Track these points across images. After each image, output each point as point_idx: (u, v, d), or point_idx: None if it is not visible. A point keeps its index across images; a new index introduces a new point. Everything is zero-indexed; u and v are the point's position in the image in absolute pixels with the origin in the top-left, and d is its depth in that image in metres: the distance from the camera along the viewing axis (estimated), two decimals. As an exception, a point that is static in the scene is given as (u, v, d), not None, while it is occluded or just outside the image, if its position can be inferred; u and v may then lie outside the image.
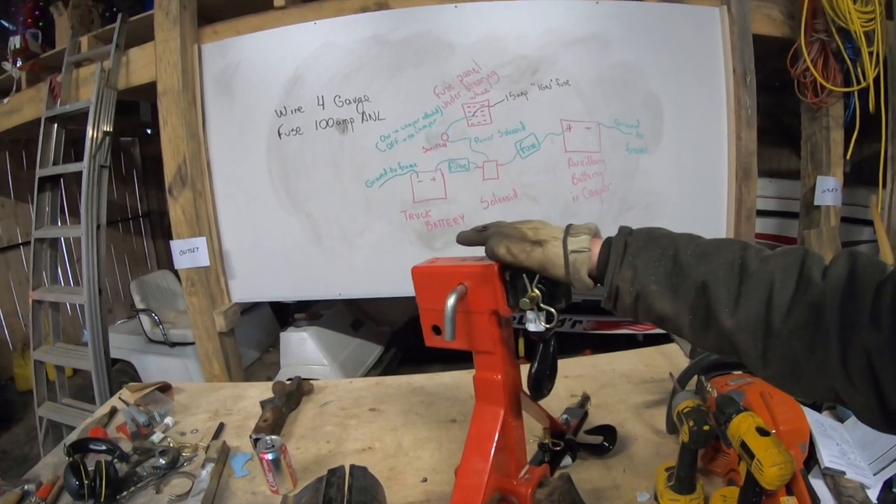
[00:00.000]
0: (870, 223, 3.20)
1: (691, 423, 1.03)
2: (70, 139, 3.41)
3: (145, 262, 6.89)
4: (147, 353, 4.31)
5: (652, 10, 2.84)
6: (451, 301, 0.87)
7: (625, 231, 0.84)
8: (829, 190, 3.02)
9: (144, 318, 4.28)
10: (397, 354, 4.45)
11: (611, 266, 0.81)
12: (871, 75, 2.80)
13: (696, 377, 1.30)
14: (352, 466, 1.13)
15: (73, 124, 3.33)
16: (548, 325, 0.88)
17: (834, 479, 1.14)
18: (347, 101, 2.83)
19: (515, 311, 0.91)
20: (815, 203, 3.07)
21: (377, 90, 2.82)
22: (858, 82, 2.84)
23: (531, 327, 0.89)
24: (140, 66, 3.09)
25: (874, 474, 1.15)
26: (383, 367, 4.19)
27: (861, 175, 3.20)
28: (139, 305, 4.35)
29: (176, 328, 4.23)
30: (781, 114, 3.26)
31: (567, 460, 1.28)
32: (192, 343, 3.87)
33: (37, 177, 3.25)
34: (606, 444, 1.34)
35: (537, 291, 0.87)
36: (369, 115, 2.83)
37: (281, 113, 2.88)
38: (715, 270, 0.73)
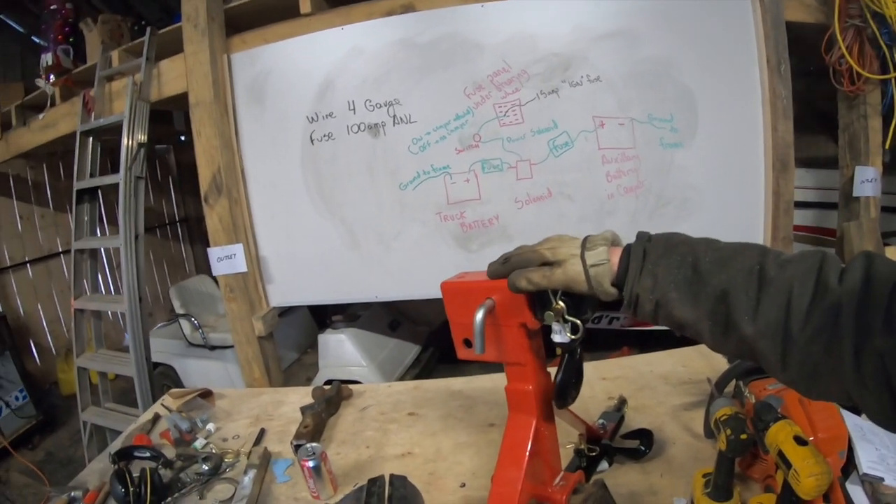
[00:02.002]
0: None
1: (729, 432, 1.01)
2: (106, 149, 3.50)
3: (183, 266, 7.04)
4: (187, 356, 4.40)
5: (681, 2, 2.78)
6: (479, 315, 0.88)
7: (643, 238, 0.84)
8: (868, 180, 2.93)
9: (184, 323, 4.37)
10: (435, 354, 4.47)
11: (630, 274, 0.82)
12: (907, 61, 2.70)
13: (734, 381, 1.29)
14: (392, 476, 1.14)
15: (108, 135, 3.41)
16: (573, 337, 0.89)
17: (872, 485, 1.11)
18: (378, 105, 2.86)
19: (542, 322, 0.92)
20: (854, 194, 2.97)
21: (407, 93, 2.83)
22: (895, 69, 2.75)
23: (557, 338, 0.90)
24: (171, 77, 3.15)
25: None
26: (421, 366, 4.21)
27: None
28: (179, 310, 4.43)
29: (215, 332, 4.31)
30: (816, 99, 3.17)
31: (604, 465, 1.28)
32: (232, 346, 3.95)
33: (74, 189, 3.34)
34: (643, 448, 1.33)
35: (562, 304, 0.87)
36: (400, 119, 2.85)
37: (313, 119, 2.92)
38: (734, 277, 0.74)
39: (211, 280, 4.99)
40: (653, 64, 2.78)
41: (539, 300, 0.90)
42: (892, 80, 2.78)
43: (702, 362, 1.81)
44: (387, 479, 1.13)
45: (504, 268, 0.93)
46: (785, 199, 2.82)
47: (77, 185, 3.32)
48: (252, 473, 1.45)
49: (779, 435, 0.94)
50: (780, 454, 0.92)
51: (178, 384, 4.26)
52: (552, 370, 1.00)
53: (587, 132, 2.80)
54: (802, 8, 2.92)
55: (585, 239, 0.87)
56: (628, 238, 0.88)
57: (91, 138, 3.35)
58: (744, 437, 1.00)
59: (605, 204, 2.84)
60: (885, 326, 0.60)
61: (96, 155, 3.39)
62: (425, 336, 4.50)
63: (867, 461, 1.13)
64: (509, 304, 0.91)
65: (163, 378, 4.30)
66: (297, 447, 1.55)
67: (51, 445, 4.34)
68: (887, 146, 2.90)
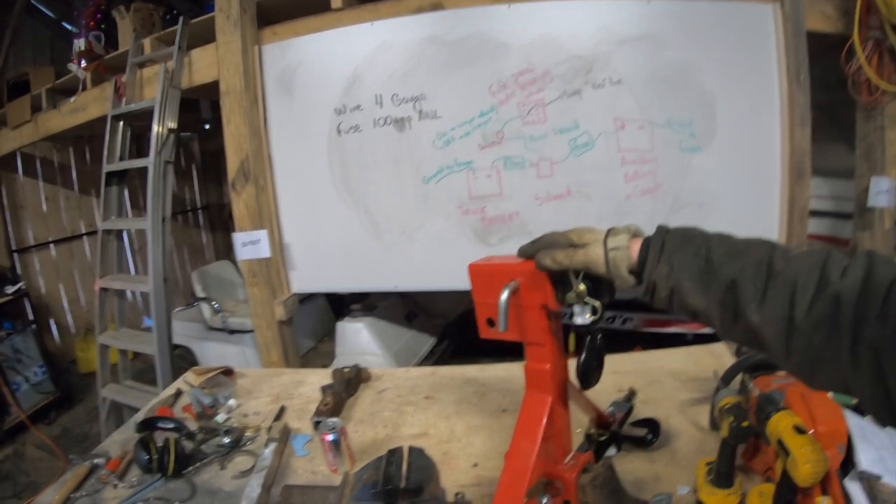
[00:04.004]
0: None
1: (731, 420, 1.07)
2: (132, 135, 3.57)
3: (203, 252, 7.13)
4: (206, 339, 4.48)
5: (704, 8, 2.82)
6: (504, 295, 0.94)
7: (662, 230, 0.90)
8: (883, 191, 2.95)
9: (205, 307, 4.45)
10: (449, 346, 4.51)
11: (649, 263, 0.87)
12: (925, 74, 2.72)
13: (740, 375, 1.33)
14: (410, 447, 1.20)
15: (136, 121, 3.49)
16: (593, 318, 0.94)
17: (870, 482, 1.15)
18: (405, 100, 2.92)
19: (563, 305, 0.97)
20: (869, 204, 3.00)
21: (434, 89, 2.89)
22: (913, 81, 2.77)
23: (578, 320, 0.95)
24: (202, 66, 3.22)
25: None
26: (435, 358, 4.25)
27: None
28: (200, 294, 4.53)
29: (235, 317, 4.38)
30: (838, 109, 3.19)
31: (612, 451, 1.33)
32: (250, 331, 4.02)
33: (104, 171, 3.42)
34: (650, 437, 1.38)
35: (582, 286, 0.93)
36: (426, 114, 2.91)
37: (340, 111, 2.99)
38: (744, 269, 0.78)
39: (232, 266, 5.09)
40: (674, 69, 2.82)
41: (561, 283, 0.96)
42: (910, 92, 2.79)
43: (711, 360, 1.84)
44: (405, 450, 1.19)
45: (532, 247, 0.99)
46: (800, 206, 2.86)
47: (107, 168, 3.40)
48: (273, 446, 1.50)
49: (779, 424, 0.98)
50: (780, 443, 0.96)
51: (196, 366, 4.33)
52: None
53: (607, 133, 2.85)
54: (823, 18, 2.94)
55: (610, 229, 0.93)
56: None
57: (121, 123, 3.43)
58: (745, 424, 1.05)
59: (623, 205, 2.88)
60: (878, 320, 0.65)
61: (126, 139, 3.47)
62: (440, 329, 4.53)
63: (866, 460, 1.17)
64: (532, 287, 0.97)
65: (181, 360, 4.37)
66: (317, 423, 1.61)
67: (67, 421, 4.42)
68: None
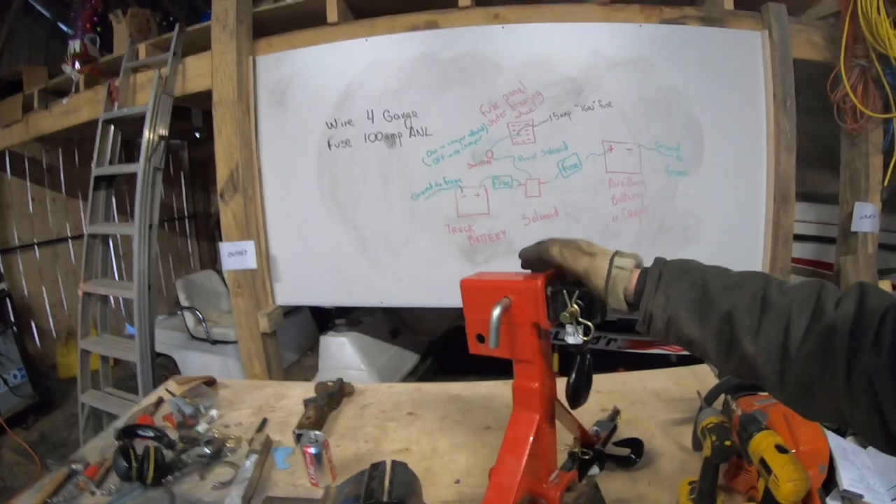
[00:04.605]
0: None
1: (714, 438, 1.08)
2: (121, 141, 3.54)
3: (188, 261, 7.08)
4: (189, 349, 4.44)
5: (694, 34, 2.88)
6: (496, 312, 0.94)
7: (660, 262, 0.91)
8: (866, 216, 3.01)
9: (188, 316, 4.42)
10: (433, 364, 4.51)
11: (646, 292, 0.88)
12: (909, 101, 2.78)
13: (723, 396, 1.35)
14: (393, 462, 1.19)
15: (127, 127, 3.47)
16: (585, 338, 0.95)
17: (852, 502, 1.17)
18: (396, 116, 2.93)
19: (555, 324, 0.98)
20: (853, 229, 3.06)
21: (425, 106, 2.91)
22: (897, 108, 2.84)
23: (570, 340, 0.96)
24: (196, 74, 3.22)
25: (892, 500, 1.18)
26: (419, 375, 4.25)
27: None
28: (184, 303, 4.49)
29: (218, 327, 4.35)
30: (824, 137, 3.24)
31: (595, 470, 1.33)
32: (233, 342, 3.98)
33: (93, 175, 3.39)
34: (633, 457, 1.38)
35: (576, 306, 0.94)
36: (417, 131, 2.92)
37: (332, 125, 2.99)
38: (739, 301, 0.79)
39: (217, 275, 5.05)
40: (663, 93, 2.86)
41: (554, 302, 0.97)
42: (894, 120, 2.86)
43: (694, 381, 1.86)
44: (388, 464, 1.18)
45: (538, 243, 1.00)
46: (784, 230, 2.90)
47: (96, 172, 3.37)
48: (254, 458, 1.48)
49: (761, 443, 1.00)
50: (762, 461, 0.97)
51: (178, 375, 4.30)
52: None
53: (596, 155, 2.88)
54: (810, 46, 3.01)
55: (618, 251, 0.95)
56: None
57: (112, 127, 3.41)
58: (728, 443, 1.06)
59: (610, 226, 2.90)
60: (872, 349, 0.66)
61: (117, 144, 3.44)
62: (425, 346, 4.53)
63: (848, 479, 1.19)
64: (524, 304, 0.98)
65: (162, 369, 4.33)
66: (299, 436, 1.60)
67: (45, 427, 4.35)
68: (885, 184, 2.97)
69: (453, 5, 2.91)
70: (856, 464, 1.26)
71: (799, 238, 3.36)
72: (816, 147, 3.16)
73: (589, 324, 0.95)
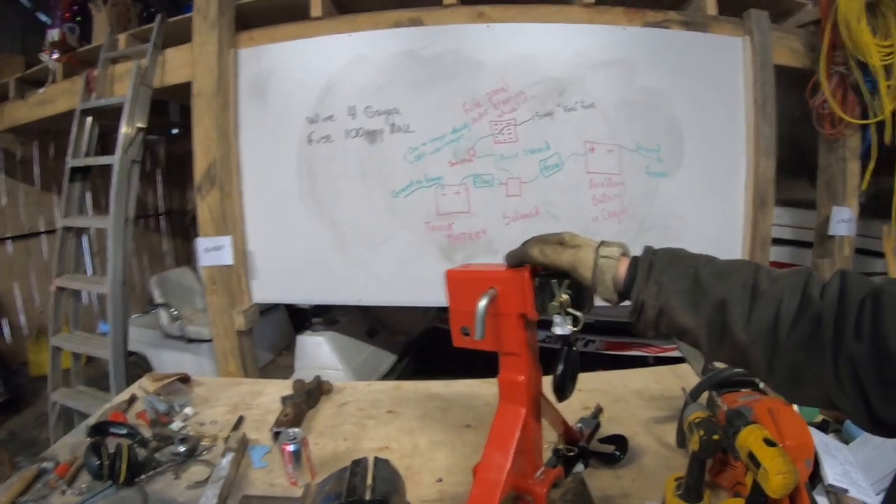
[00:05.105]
0: (883, 255, 3.24)
1: (701, 433, 1.08)
2: (98, 134, 3.47)
3: (163, 259, 6.97)
4: (162, 347, 4.37)
5: (677, 38, 2.91)
6: (482, 302, 0.93)
7: (650, 251, 0.91)
8: (843, 220, 3.07)
9: (163, 313, 4.35)
10: (410, 364, 4.49)
11: (637, 282, 0.88)
12: (888, 108, 2.83)
13: (706, 392, 1.35)
14: (375, 458, 1.16)
15: (105, 119, 3.40)
16: (573, 329, 0.94)
17: (837, 496, 1.18)
18: (378, 113, 2.91)
19: (542, 314, 0.97)
20: (830, 233, 3.12)
21: (407, 103, 2.89)
22: (875, 115, 2.89)
23: (557, 331, 0.95)
24: (176, 66, 3.16)
25: (876, 494, 1.20)
26: (396, 375, 4.22)
27: (876, 207, 3.23)
28: (158, 300, 4.42)
29: (193, 324, 4.30)
30: (800, 144, 3.30)
31: (579, 467, 1.32)
32: (208, 340, 3.94)
33: (68, 167, 3.32)
34: (618, 454, 1.38)
35: (566, 296, 0.93)
36: (399, 127, 2.90)
37: (312, 120, 2.96)
38: (731, 289, 0.80)
39: (192, 273, 4.98)
40: (645, 95, 2.89)
41: (541, 292, 0.96)
42: (872, 126, 2.91)
43: (675, 380, 1.87)
44: (371, 461, 1.16)
45: (520, 247, 0.99)
46: (762, 233, 2.94)
47: (72, 163, 3.30)
48: (230, 456, 1.45)
49: (749, 437, 0.99)
50: (751, 455, 0.97)
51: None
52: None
53: (577, 156, 2.89)
54: (790, 53, 3.06)
55: (603, 241, 0.94)
56: None
57: (89, 118, 3.34)
58: (716, 437, 1.06)
59: (590, 226, 2.91)
60: (854, 334, 0.68)
61: (93, 135, 3.37)
62: (402, 346, 4.51)
63: (832, 474, 1.21)
64: (511, 295, 0.96)
65: (135, 367, 4.26)
66: (276, 434, 1.57)
67: (14, 425, 4.25)
68: (864, 188, 3.01)
69: (438, 3, 2.91)
70: (839, 459, 1.28)
71: (776, 241, 3.40)
72: (792, 154, 3.19)
73: (578, 314, 0.94)
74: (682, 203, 2.95)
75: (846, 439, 1.39)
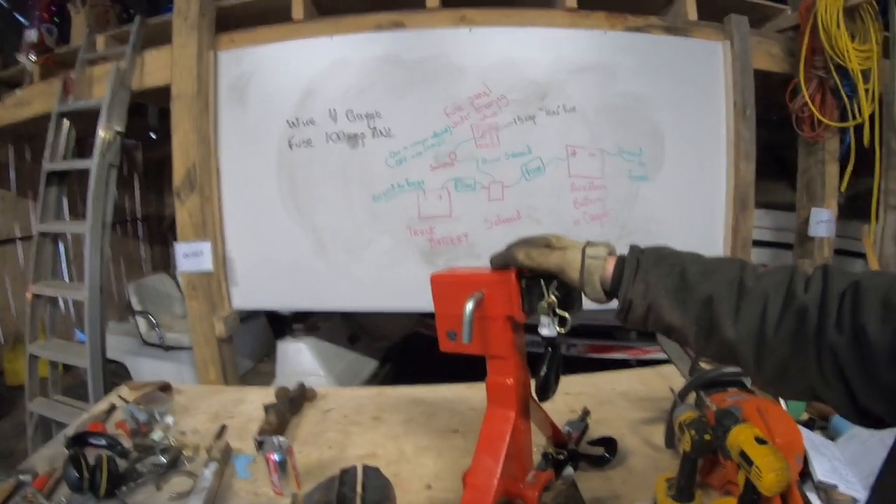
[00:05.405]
0: (862, 255, 3.29)
1: (693, 433, 1.07)
2: (76, 138, 3.41)
3: (140, 265, 6.87)
4: (141, 355, 4.31)
5: (657, 43, 2.93)
6: (469, 305, 0.92)
7: (636, 250, 0.91)
8: (823, 221, 3.11)
9: (141, 321, 4.28)
10: (392, 370, 4.46)
11: (625, 280, 0.88)
12: (866, 112, 2.89)
13: (693, 393, 1.35)
14: (365, 466, 1.15)
15: (82, 124, 3.33)
16: (560, 330, 0.93)
17: (827, 492, 1.19)
18: (359, 117, 2.89)
19: (530, 316, 0.96)
20: (810, 234, 3.15)
21: (389, 107, 2.87)
22: (854, 118, 2.94)
23: (544, 332, 0.94)
24: (154, 68, 3.11)
25: (864, 489, 1.21)
26: (378, 381, 4.20)
27: (855, 208, 3.28)
28: (136, 307, 4.35)
29: (172, 332, 4.24)
30: (778, 148, 3.34)
31: (569, 470, 1.31)
32: (187, 348, 3.88)
33: (44, 171, 3.24)
34: (607, 456, 1.37)
35: (554, 297, 0.92)
36: (380, 132, 2.88)
37: (293, 124, 2.93)
38: (717, 287, 0.81)
39: (170, 279, 4.92)
40: (627, 99, 2.90)
41: (529, 294, 0.95)
42: (851, 129, 2.96)
43: (660, 382, 1.88)
44: (359, 469, 1.14)
45: (505, 250, 0.98)
46: (743, 235, 2.98)
47: (48, 167, 3.22)
48: (213, 467, 1.42)
49: (740, 436, 1.00)
50: (742, 454, 0.97)
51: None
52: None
53: (559, 160, 2.90)
54: (769, 58, 3.10)
55: (588, 241, 0.95)
56: None
57: (67, 121, 3.27)
58: (707, 437, 1.06)
59: (572, 230, 2.91)
60: (836, 327, 0.69)
61: (70, 138, 3.30)
62: (383, 351, 4.49)
63: (821, 471, 1.22)
64: (498, 297, 0.95)
65: (113, 376, 4.18)
66: (260, 443, 1.54)
67: (-9, 436, 4.18)
68: (843, 189, 3.05)
69: (420, 6, 2.89)
70: (827, 455, 1.29)
71: (757, 243, 3.44)
72: (772, 158, 3.23)
73: (566, 315, 0.93)
74: (664, 206, 2.96)
75: (832, 436, 1.40)
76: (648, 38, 2.91)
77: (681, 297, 0.83)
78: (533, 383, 1.02)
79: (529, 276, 0.96)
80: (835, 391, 0.69)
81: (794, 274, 0.78)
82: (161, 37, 3.02)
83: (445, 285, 1.02)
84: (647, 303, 0.86)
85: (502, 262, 0.98)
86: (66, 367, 3.58)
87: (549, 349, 0.98)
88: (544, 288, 0.93)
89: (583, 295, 0.96)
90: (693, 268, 0.84)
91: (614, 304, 0.91)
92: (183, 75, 2.88)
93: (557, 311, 0.93)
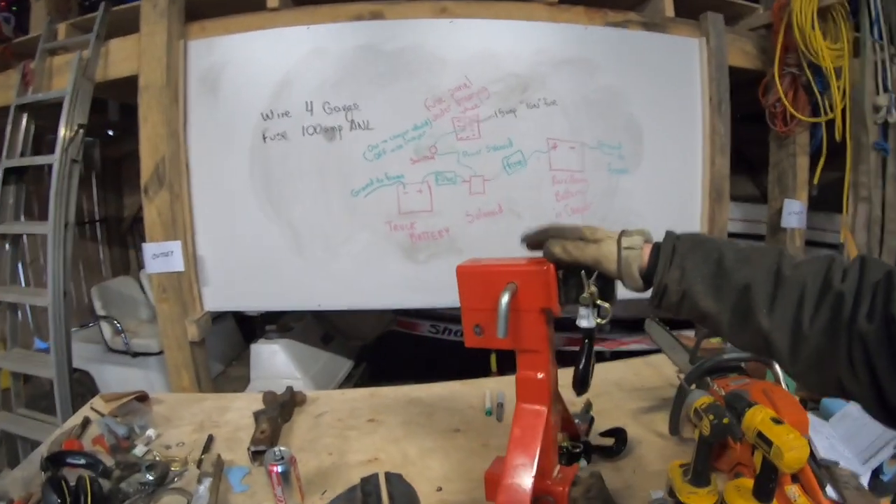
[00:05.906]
0: (833, 246, 3.38)
1: (711, 417, 1.08)
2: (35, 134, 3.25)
3: (99, 269, 6.63)
4: (106, 362, 4.10)
5: (636, 38, 2.94)
6: (505, 298, 0.89)
7: (672, 236, 0.92)
8: (794, 213, 3.20)
9: (105, 326, 4.10)
10: (367, 369, 4.38)
11: (660, 267, 0.88)
12: (839, 107, 2.97)
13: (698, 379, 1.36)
14: (387, 473, 1.10)
15: (42, 119, 3.18)
16: (600, 321, 0.91)
17: (829, 468, 1.22)
18: (336, 109, 2.81)
19: (566, 308, 0.93)
20: (782, 225, 3.23)
21: (367, 99, 2.80)
22: (826, 113, 3.01)
23: (584, 323, 0.93)
24: (120, 58, 2.97)
25: (863, 464, 1.27)
26: (353, 382, 4.12)
27: (825, 201, 3.37)
28: (100, 312, 4.15)
29: (138, 337, 4.06)
30: (739, 143, 3.43)
31: (582, 462, 1.30)
32: (156, 353, 3.77)
33: (2, 168, 3.07)
34: (620, 447, 1.38)
35: (594, 288, 0.89)
36: (358, 124, 2.81)
37: (267, 116, 2.83)
38: (755, 274, 0.80)
39: (135, 282, 4.74)
40: (606, 93, 2.91)
41: (565, 285, 0.92)
42: (823, 124, 3.04)
43: (650, 371, 1.92)
44: (382, 477, 1.09)
45: (539, 235, 0.95)
46: (719, 226, 3.04)
47: (6, 164, 3.05)
48: (207, 482, 1.34)
49: (755, 418, 1.02)
50: (760, 435, 0.99)
51: (96, 392, 3.99)
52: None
53: (540, 153, 2.88)
54: (743, 55, 3.17)
55: (623, 230, 0.96)
56: None
57: (26, 115, 3.10)
58: (726, 421, 1.07)
59: (552, 222, 2.88)
60: (867, 316, 0.69)
61: (30, 133, 3.13)
62: (357, 351, 4.41)
63: (822, 448, 1.28)
64: (531, 289, 0.93)
65: (79, 385, 4.00)
66: (255, 453, 1.48)
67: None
68: (816, 181, 3.14)
69: (400, -4, 2.84)
70: (823, 434, 1.35)
71: (731, 235, 3.51)
72: (736, 154, 3.30)
73: (607, 305, 0.92)
74: (643, 199, 2.99)
75: (825, 415, 1.44)
76: (627, 33, 2.93)
77: (717, 284, 0.82)
78: (559, 376, 0.99)
79: (564, 266, 0.94)
80: (862, 384, 0.69)
81: (833, 263, 0.77)
82: (127, 25, 2.89)
83: (473, 277, 0.98)
84: (682, 289, 0.85)
85: (537, 243, 0.98)
86: (27, 378, 3.40)
87: (587, 341, 0.95)
88: (584, 279, 0.91)
89: (617, 284, 0.95)
90: (730, 255, 0.84)
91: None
92: (151, 65, 2.76)
93: (599, 301, 0.90)
